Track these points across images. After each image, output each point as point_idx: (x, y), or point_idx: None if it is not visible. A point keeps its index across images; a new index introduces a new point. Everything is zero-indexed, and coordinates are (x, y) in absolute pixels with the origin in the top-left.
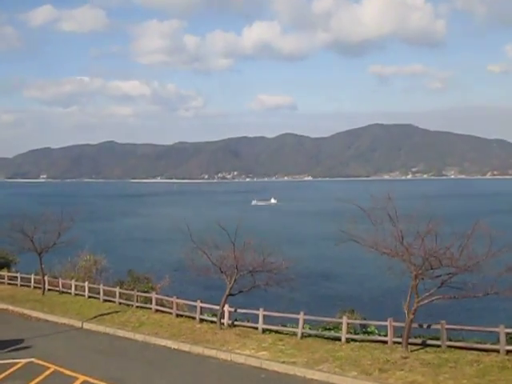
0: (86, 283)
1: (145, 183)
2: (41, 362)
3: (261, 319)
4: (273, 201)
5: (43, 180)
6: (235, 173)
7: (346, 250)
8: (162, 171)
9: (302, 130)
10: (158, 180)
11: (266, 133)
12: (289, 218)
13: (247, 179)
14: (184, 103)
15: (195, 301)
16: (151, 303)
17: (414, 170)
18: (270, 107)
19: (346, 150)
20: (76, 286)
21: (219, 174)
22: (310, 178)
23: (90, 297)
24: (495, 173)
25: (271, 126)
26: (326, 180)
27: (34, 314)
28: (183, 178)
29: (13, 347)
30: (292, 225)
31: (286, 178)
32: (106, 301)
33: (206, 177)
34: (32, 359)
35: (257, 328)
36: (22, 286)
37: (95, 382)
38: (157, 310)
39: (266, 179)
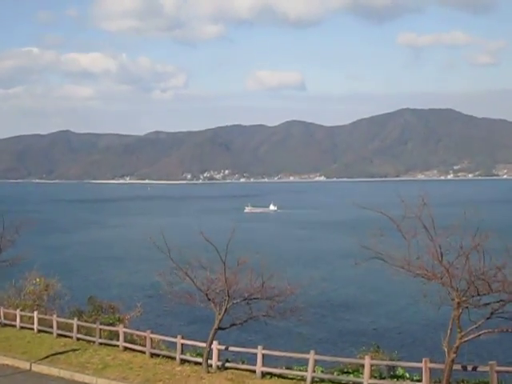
0: (35, 313)
1: (110, 185)
2: None
3: (259, 360)
4: (272, 208)
5: None
6: (226, 171)
7: (370, 271)
8: (133, 170)
9: (312, 116)
10: (127, 181)
11: (267, 120)
12: (294, 229)
13: (242, 180)
14: (160, 82)
15: (175, 336)
16: (118, 339)
17: (455, 168)
18: (272, 87)
19: (370, 141)
20: (22, 316)
21: (206, 174)
22: (322, 178)
23: (40, 331)
24: None
25: (273, 112)
26: (344, 181)
27: None
28: (159, 179)
29: None
30: (298, 239)
31: (291, 178)
32: (60, 336)
33: (189, 177)
34: None
35: (254, 371)
36: None
37: None
38: (125, 348)
39: (265, 180)
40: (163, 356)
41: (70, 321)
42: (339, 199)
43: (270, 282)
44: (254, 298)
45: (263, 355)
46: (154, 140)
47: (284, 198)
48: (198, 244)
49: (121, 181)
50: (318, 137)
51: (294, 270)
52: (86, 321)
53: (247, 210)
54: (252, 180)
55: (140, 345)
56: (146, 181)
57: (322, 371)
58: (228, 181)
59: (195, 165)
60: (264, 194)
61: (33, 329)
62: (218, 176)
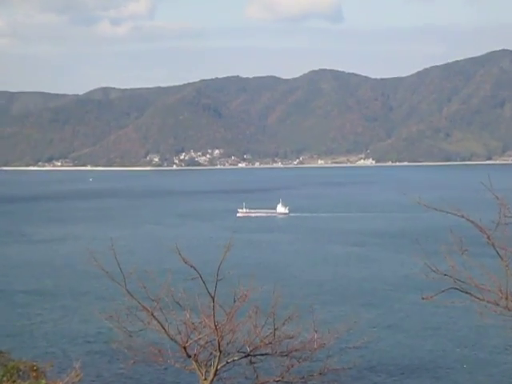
0: None
1: (31, 174)
2: None
3: None
4: (280, 209)
5: None
6: (216, 152)
7: (447, 309)
8: (66, 150)
9: (352, 63)
10: (58, 167)
11: (280, 70)
12: (320, 244)
13: (241, 165)
14: (110, 9)
15: None
16: None
17: None
18: (289, 17)
19: (444, 103)
20: None
21: (183, 155)
22: (369, 161)
23: None
24: None
25: (291, 57)
26: (403, 166)
27: None
28: (109, 164)
29: None
30: (328, 260)
31: (320, 161)
32: None
33: (157, 160)
34: None
35: None
36: None
37: None
38: None
39: (279, 165)
40: None
41: None
42: (395, 195)
43: (286, 329)
44: (261, 355)
45: None
46: (101, 102)
47: (307, 193)
48: (171, 268)
49: (47, 167)
50: (361, 96)
51: (323, 310)
52: None
53: (240, 213)
54: (257, 165)
55: None
56: (88, 167)
57: None
58: (219, 166)
59: (166, 141)
60: (275, 189)
61: None
62: (202, 159)
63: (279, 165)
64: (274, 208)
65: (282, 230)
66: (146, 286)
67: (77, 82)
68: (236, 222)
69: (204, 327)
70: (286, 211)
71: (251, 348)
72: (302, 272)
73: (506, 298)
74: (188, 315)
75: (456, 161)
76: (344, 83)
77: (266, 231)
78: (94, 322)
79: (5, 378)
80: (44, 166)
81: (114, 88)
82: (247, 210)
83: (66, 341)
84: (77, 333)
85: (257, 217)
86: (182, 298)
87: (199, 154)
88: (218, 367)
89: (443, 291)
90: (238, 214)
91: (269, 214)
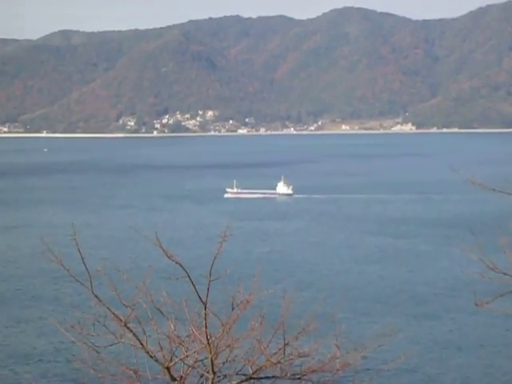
0: None
1: None
2: None
3: None
4: (281, 189)
5: None
6: (209, 114)
7: (507, 319)
8: (15, 111)
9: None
10: (4, 134)
11: (292, 8)
12: (335, 234)
13: (241, 131)
14: None
15: None
16: None
17: None
18: None
19: (505, 52)
20: None
21: (166, 118)
22: (408, 127)
23: None
24: None
25: None
26: (452, 132)
27: None
28: (70, 130)
29: None
30: (350, 254)
31: (344, 127)
32: None
33: (132, 124)
34: None
35: None
36: None
37: None
38: None
39: (291, 131)
40: None
41: None
42: (441, 171)
43: (300, 345)
44: (267, 378)
45: None
46: (60, 50)
47: (325, 168)
48: (151, 265)
49: None
50: (398, 42)
51: (348, 320)
52: None
53: (229, 193)
54: (262, 132)
55: None
56: (43, 134)
57: None
58: (212, 133)
59: (145, 100)
60: (284, 163)
61: None
62: (191, 123)
63: (291, 131)
64: (274, 187)
65: (288, 216)
66: (119, 289)
67: (29, 24)
68: (225, 205)
69: (193, 342)
70: (289, 191)
71: (254, 369)
72: (319, 271)
73: None
74: (172, 326)
75: None
76: (375, 26)
77: (266, 217)
78: (52, 335)
79: None
80: None
81: (78, 31)
82: (238, 190)
83: (15, 360)
84: (30, 349)
85: (251, 198)
86: (165, 303)
87: (187, 116)
88: None
89: (502, 295)
90: (227, 195)
91: (267, 196)
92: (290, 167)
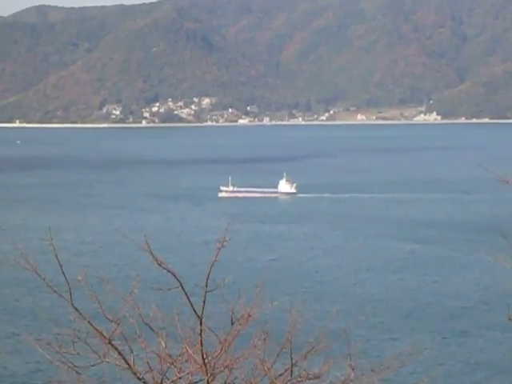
0: None
1: None
2: None
3: None
4: (284, 188)
5: None
6: (207, 102)
7: None
8: None
9: None
10: None
11: None
12: (348, 239)
13: (242, 121)
14: None
15: None
16: None
17: None
18: None
19: None
20: None
21: (156, 106)
22: (432, 116)
23: None
24: None
25: None
26: (482, 123)
27: None
28: (47, 119)
29: None
30: (367, 262)
31: (360, 116)
32: None
33: (118, 113)
34: None
35: None
36: None
37: None
38: None
39: (299, 121)
40: None
41: None
42: (470, 167)
43: (309, 365)
44: None
45: None
46: (35, 28)
47: (336, 164)
48: (139, 274)
49: None
50: (420, 20)
51: (365, 337)
52: None
53: (224, 192)
54: (266, 122)
55: None
56: (16, 123)
57: None
58: (209, 123)
59: (132, 85)
60: (291, 158)
61: None
62: (185, 112)
63: (299, 121)
64: (275, 186)
65: (293, 218)
66: (102, 301)
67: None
68: (220, 206)
69: (186, 361)
70: (292, 190)
71: None
72: (332, 281)
73: None
74: (163, 344)
75: None
76: (395, 1)
77: (268, 220)
78: (26, 354)
79: None
80: None
81: (55, 7)
82: (234, 189)
83: None
84: (0, 370)
85: (249, 198)
86: (155, 317)
87: (180, 104)
88: None
89: None
90: (221, 194)
91: (266, 195)
92: (297, 162)
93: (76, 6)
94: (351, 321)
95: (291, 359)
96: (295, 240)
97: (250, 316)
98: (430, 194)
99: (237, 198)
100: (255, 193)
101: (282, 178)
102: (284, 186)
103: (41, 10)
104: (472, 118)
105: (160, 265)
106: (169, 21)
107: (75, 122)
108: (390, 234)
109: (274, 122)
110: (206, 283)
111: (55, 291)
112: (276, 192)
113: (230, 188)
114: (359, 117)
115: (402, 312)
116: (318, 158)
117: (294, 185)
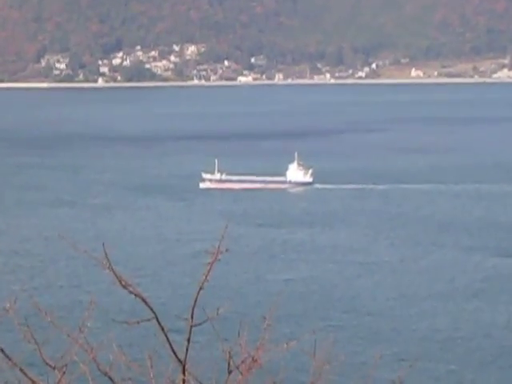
0: None
1: None
2: None
3: None
4: (294, 176)
5: None
6: (192, 51)
7: None
8: None
9: None
10: None
11: None
12: (398, 248)
13: (243, 79)
14: None
15: None
16: None
17: None
18: None
19: None
20: None
21: (120, 58)
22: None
23: None
24: None
25: None
26: None
27: None
28: None
29: None
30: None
31: (415, 72)
32: None
33: (63, 67)
34: None
35: None
36: None
37: None
38: None
39: (326, 79)
40: None
41: None
42: None
43: None
44: None
45: None
46: None
47: (381, 141)
48: (95, 300)
49: None
50: None
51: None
52: None
53: (207, 181)
54: (279, 80)
55: None
56: None
57: None
58: (196, 82)
59: (83, 28)
60: (312, 133)
61: None
62: (160, 66)
63: (326, 79)
64: (283, 173)
65: (309, 220)
66: (40, 339)
67: None
68: (201, 202)
69: None
70: (307, 179)
71: None
72: (374, 311)
73: None
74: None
75: None
76: None
77: (276, 222)
78: None
79: None
80: None
81: None
82: (222, 177)
83: None
84: None
85: (244, 190)
86: (117, 363)
87: (154, 54)
88: None
89: None
90: (203, 185)
91: (269, 185)
92: (321, 139)
93: None
94: (404, 369)
95: None
96: (319, 252)
97: (254, 361)
98: (504, 185)
99: (226, 189)
100: (253, 183)
101: (292, 161)
102: (295, 173)
103: None
104: None
105: (125, 287)
106: None
107: (1, 81)
108: (460, 242)
109: (289, 81)
110: (192, 313)
111: (31, 334)
112: (284, 182)
113: (217, 176)
114: (414, 73)
115: (481, 357)
116: (348, 132)
117: (310, 171)
